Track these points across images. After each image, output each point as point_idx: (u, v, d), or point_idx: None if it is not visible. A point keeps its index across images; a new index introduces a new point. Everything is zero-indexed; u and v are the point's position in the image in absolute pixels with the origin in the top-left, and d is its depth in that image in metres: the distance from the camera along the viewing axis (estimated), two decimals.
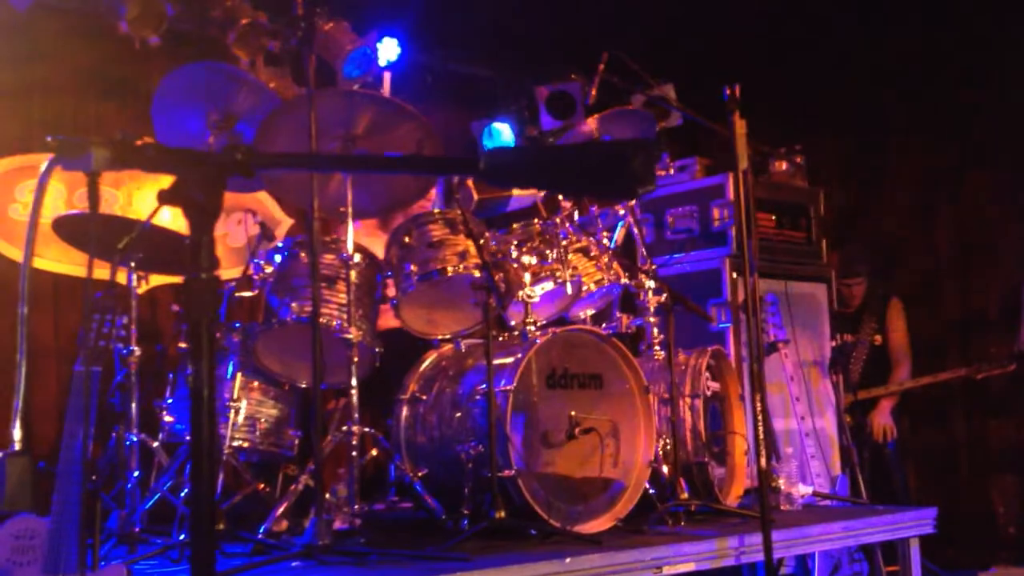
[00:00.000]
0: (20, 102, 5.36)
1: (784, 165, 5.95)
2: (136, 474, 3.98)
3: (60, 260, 5.18)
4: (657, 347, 4.71)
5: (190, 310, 1.32)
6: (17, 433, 3.44)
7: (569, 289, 4.42)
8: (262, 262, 4.16)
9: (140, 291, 4.19)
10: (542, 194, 4.75)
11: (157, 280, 4.67)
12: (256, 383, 4.23)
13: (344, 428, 3.92)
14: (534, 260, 4.37)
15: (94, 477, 3.48)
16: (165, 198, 1.29)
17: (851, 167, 7.23)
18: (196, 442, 1.29)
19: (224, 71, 4.16)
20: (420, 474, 4.06)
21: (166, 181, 1.35)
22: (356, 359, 3.95)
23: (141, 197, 5.53)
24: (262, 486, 4.09)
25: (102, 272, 4.36)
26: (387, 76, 5.97)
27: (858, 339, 6.29)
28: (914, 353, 6.39)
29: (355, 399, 3.92)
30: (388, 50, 6.04)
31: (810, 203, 5.94)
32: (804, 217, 5.89)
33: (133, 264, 4.01)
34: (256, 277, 4.17)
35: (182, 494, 3.92)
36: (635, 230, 5.04)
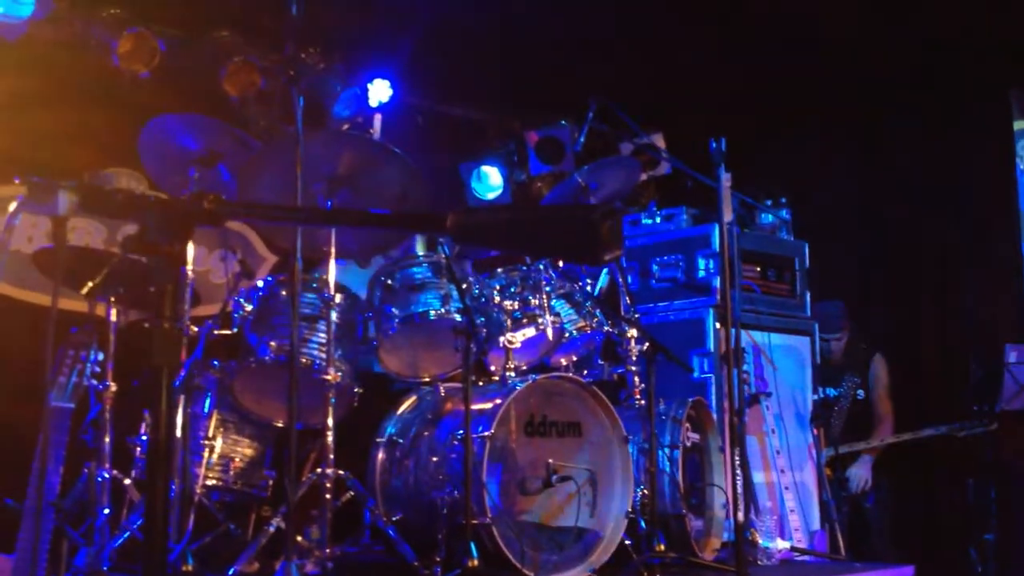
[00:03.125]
0: (3, 125, 5.35)
1: (770, 218, 5.97)
2: (106, 511, 3.93)
3: (45, 292, 5.15)
4: (638, 396, 4.69)
5: (152, 357, 1.31)
6: None
7: (550, 335, 4.41)
8: (242, 300, 4.15)
9: (120, 326, 4.16)
10: None
11: (137, 315, 4.63)
12: (232, 422, 4.20)
13: (319, 470, 3.88)
14: (516, 305, 4.36)
15: (63, 514, 3.44)
16: (131, 245, 1.28)
17: (836, 218, 7.28)
18: (151, 492, 1.26)
19: (206, 122, 4.18)
20: (394, 519, 4.01)
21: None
22: (334, 400, 3.92)
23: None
24: (234, 526, 4.03)
25: (83, 305, 4.32)
26: (378, 117, 5.98)
27: (841, 393, 6.27)
28: (896, 409, 6.37)
29: (331, 441, 3.89)
30: (379, 91, 6.08)
31: (795, 256, 5.95)
32: (789, 270, 5.91)
33: (112, 299, 3.98)
34: (236, 315, 4.15)
35: None
36: (619, 278, 5.04)
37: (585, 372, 4.76)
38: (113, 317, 4.07)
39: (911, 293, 7.05)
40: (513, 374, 4.19)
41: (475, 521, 3.70)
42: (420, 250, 4.92)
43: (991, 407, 6.17)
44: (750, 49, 6.42)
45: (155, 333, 1.29)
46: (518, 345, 4.28)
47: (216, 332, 4.11)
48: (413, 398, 4.39)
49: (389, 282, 4.22)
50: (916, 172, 7.09)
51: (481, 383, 4.31)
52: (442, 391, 4.33)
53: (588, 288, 4.74)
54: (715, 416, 4.90)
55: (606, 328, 4.65)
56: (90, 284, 3.43)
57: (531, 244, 1.39)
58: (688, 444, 4.56)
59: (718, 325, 5.38)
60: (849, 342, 6.35)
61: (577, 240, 1.20)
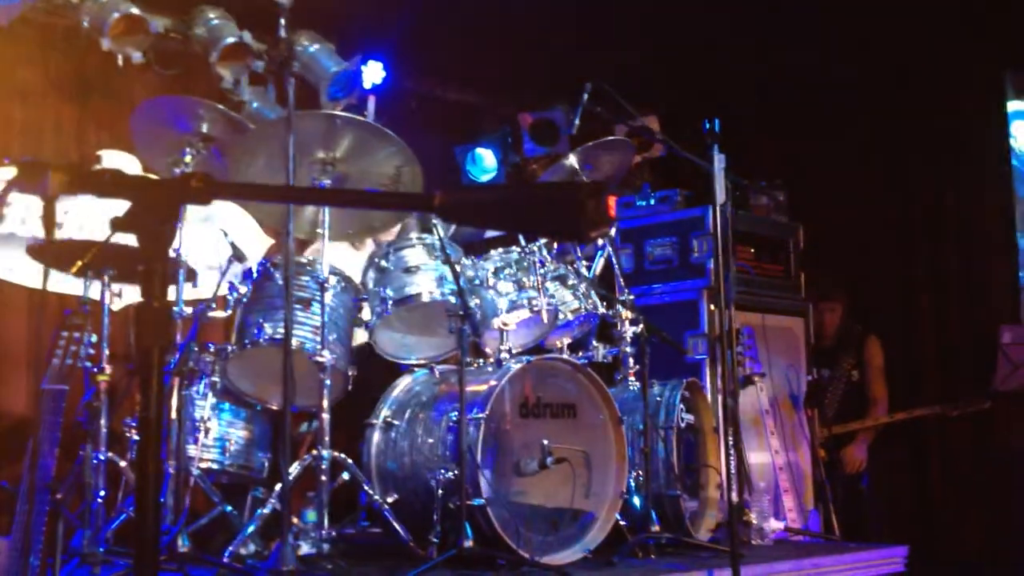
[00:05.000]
0: (3, 103, 5.34)
1: (764, 199, 5.97)
2: (102, 493, 3.93)
3: (33, 273, 5.14)
4: (632, 377, 4.70)
5: (141, 337, 1.31)
6: None
7: (545, 317, 4.41)
8: (237, 282, 4.15)
9: (114, 308, 4.16)
10: None
11: (132, 295, 4.63)
12: (227, 404, 4.20)
13: (314, 452, 3.89)
14: (511, 287, 4.37)
15: (59, 496, 3.45)
16: (119, 225, 1.28)
17: (831, 199, 7.28)
18: (142, 473, 1.27)
19: (198, 104, 4.18)
20: (390, 500, 4.03)
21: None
22: (328, 382, 3.93)
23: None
24: (229, 508, 4.04)
25: (78, 288, 4.32)
26: (372, 99, 5.96)
27: (834, 374, 6.29)
28: (890, 389, 6.39)
29: (326, 422, 3.90)
30: (373, 73, 6.05)
31: (789, 237, 5.96)
32: (783, 251, 5.92)
33: (106, 280, 3.97)
34: (231, 297, 4.15)
35: None
36: (614, 259, 5.05)
37: (580, 354, 4.76)
38: (107, 300, 4.06)
39: (906, 274, 7.06)
40: (508, 356, 4.20)
41: (470, 502, 3.71)
42: (414, 232, 4.91)
43: (985, 385, 6.19)
44: (744, 31, 6.40)
45: (144, 312, 1.29)
46: (512, 327, 4.29)
47: (211, 314, 4.12)
48: (408, 380, 4.39)
49: (383, 264, 4.23)
50: (910, 152, 7.09)
51: (476, 365, 4.31)
52: (437, 373, 4.34)
53: (583, 270, 4.75)
54: (709, 397, 4.92)
55: (601, 310, 4.65)
56: (79, 263, 3.43)
57: (518, 222, 1.40)
58: (682, 425, 4.57)
59: (712, 307, 5.40)
60: (843, 323, 6.35)
61: (563, 218, 1.20)
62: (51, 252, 3.71)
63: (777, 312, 5.74)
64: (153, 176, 4.34)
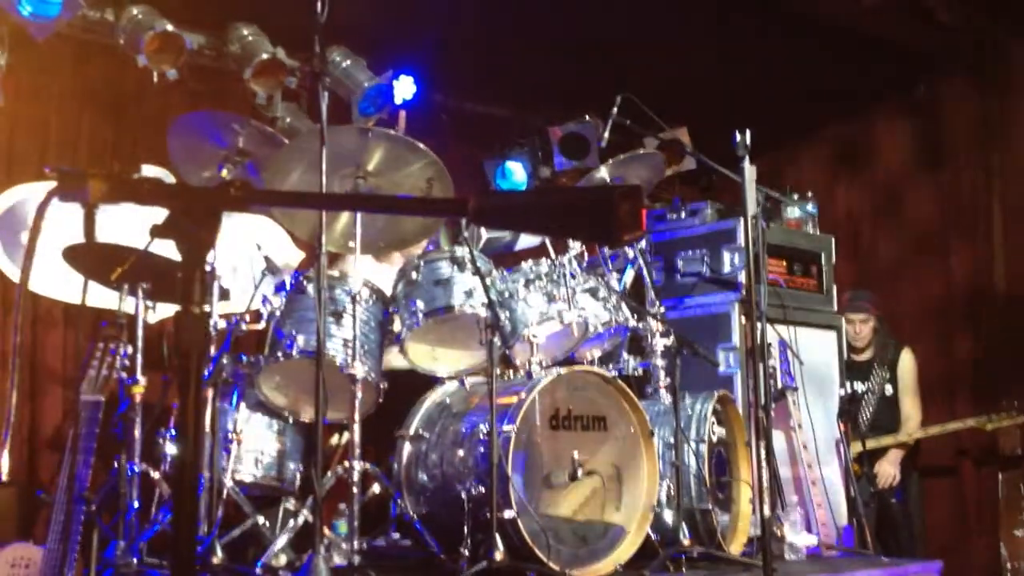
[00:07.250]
0: (37, 124, 5.42)
1: (796, 211, 5.94)
2: (136, 504, 3.97)
3: (70, 287, 5.20)
4: (663, 390, 4.69)
5: (180, 344, 1.33)
6: (5, 463, 3.45)
7: (575, 330, 4.41)
8: (270, 295, 4.18)
9: (149, 321, 4.21)
10: None
11: (165, 310, 4.68)
12: (260, 416, 4.23)
13: (345, 464, 3.91)
14: (541, 300, 4.37)
15: (93, 507, 3.49)
16: (159, 232, 1.30)
17: (863, 209, 7.25)
18: (180, 480, 1.28)
19: (233, 119, 4.22)
20: (420, 512, 4.03)
21: None
22: (360, 394, 3.95)
23: None
24: (262, 519, 4.06)
25: (114, 301, 4.37)
26: (402, 114, 6.00)
27: (868, 388, 6.24)
28: (924, 403, 6.33)
29: (357, 435, 3.91)
30: (404, 88, 6.09)
31: (822, 250, 5.92)
32: (816, 264, 5.88)
33: (141, 293, 4.02)
34: (264, 310, 4.18)
35: None
36: (644, 272, 5.04)
37: (610, 366, 4.75)
38: (142, 312, 4.11)
39: (940, 287, 7.00)
40: (538, 368, 4.20)
41: (500, 515, 3.71)
42: (444, 244, 4.93)
43: (1019, 398, 6.12)
44: (779, 38, 6.39)
45: (183, 317, 1.31)
46: (542, 339, 4.29)
47: (245, 327, 4.15)
48: (438, 392, 4.40)
49: (414, 276, 4.24)
50: (946, 159, 7.04)
51: (506, 377, 4.31)
52: (467, 385, 4.34)
53: (613, 282, 4.75)
54: (741, 410, 4.89)
55: (631, 323, 4.64)
56: (119, 270, 3.47)
57: (551, 226, 1.40)
58: (714, 439, 4.55)
59: (743, 319, 5.37)
60: (876, 331, 6.30)
61: (596, 221, 1.20)
62: (88, 257, 3.75)
63: (810, 325, 5.69)
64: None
